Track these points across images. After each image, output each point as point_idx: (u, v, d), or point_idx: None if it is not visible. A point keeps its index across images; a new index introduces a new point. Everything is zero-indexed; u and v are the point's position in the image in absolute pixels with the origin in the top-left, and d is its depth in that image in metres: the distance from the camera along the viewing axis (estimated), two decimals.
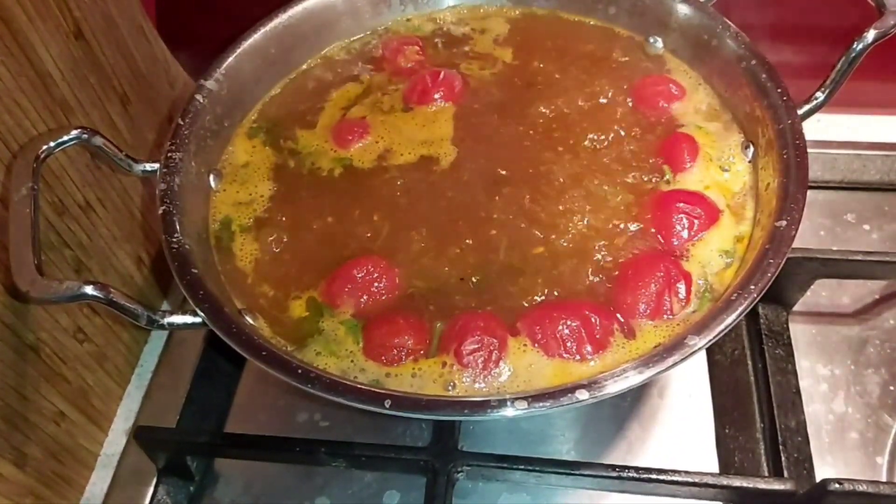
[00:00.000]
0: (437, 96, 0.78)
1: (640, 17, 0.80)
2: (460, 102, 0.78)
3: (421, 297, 0.63)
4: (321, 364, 0.59)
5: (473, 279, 0.64)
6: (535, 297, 0.62)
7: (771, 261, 0.56)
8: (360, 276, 0.63)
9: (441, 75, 0.79)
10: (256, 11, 0.78)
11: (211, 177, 0.72)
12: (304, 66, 0.82)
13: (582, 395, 0.50)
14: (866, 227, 0.90)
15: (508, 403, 0.50)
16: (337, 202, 0.70)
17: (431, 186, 0.71)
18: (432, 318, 0.61)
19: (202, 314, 0.57)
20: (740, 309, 0.54)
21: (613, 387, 0.51)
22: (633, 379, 0.51)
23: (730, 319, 0.53)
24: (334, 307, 0.63)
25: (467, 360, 0.58)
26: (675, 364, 0.52)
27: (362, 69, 0.83)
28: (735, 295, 0.55)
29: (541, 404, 0.50)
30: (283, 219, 0.70)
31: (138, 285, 0.84)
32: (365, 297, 0.63)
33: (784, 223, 0.57)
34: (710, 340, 0.53)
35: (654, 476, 0.63)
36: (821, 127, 0.95)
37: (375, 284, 0.63)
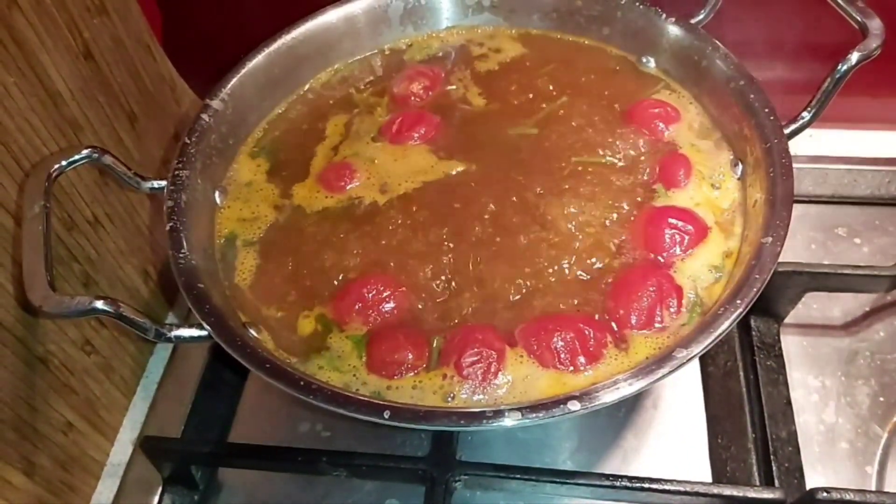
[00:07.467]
0: (415, 135, 0.78)
1: (632, 38, 0.82)
2: (440, 137, 0.78)
3: (425, 312, 0.64)
4: (324, 378, 0.60)
5: (472, 292, 0.65)
6: (532, 311, 0.63)
7: (757, 276, 0.57)
8: (369, 294, 0.64)
9: (422, 117, 0.79)
10: (260, 32, 0.80)
11: (216, 193, 0.73)
12: (307, 86, 0.84)
13: (574, 406, 0.52)
14: (857, 240, 0.91)
15: (503, 414, 0.52)
16: (339, 225, 0.71)
17: (428, 210, 0.72)
18: (431, 332, 0.63)
19: (208, 328, 0.58)
20: (727, 322, 0.55)
21: (605, 398, 0.53)
22: (624, 390, 0.53)
23: (717, 332, 0.55)
24: (343, 324, 0.64)
25: (467, 371, 0.59)
26: (664, 376, 0.53)
27: (360, 91, 0.84)
28: (722, 309, 0.56)
29: (534, 415, 0.52)
30: (288, 237, 0.71)
31: (145, 298, 0.86)
32: (374, 315, 0.64)
33: (770, 239, 0.59)
34: (697, 353, 0.54)
35: (646, 485, 0.64)
36: (812, 142, 0.96)
37: (385, 303, 0.64)
